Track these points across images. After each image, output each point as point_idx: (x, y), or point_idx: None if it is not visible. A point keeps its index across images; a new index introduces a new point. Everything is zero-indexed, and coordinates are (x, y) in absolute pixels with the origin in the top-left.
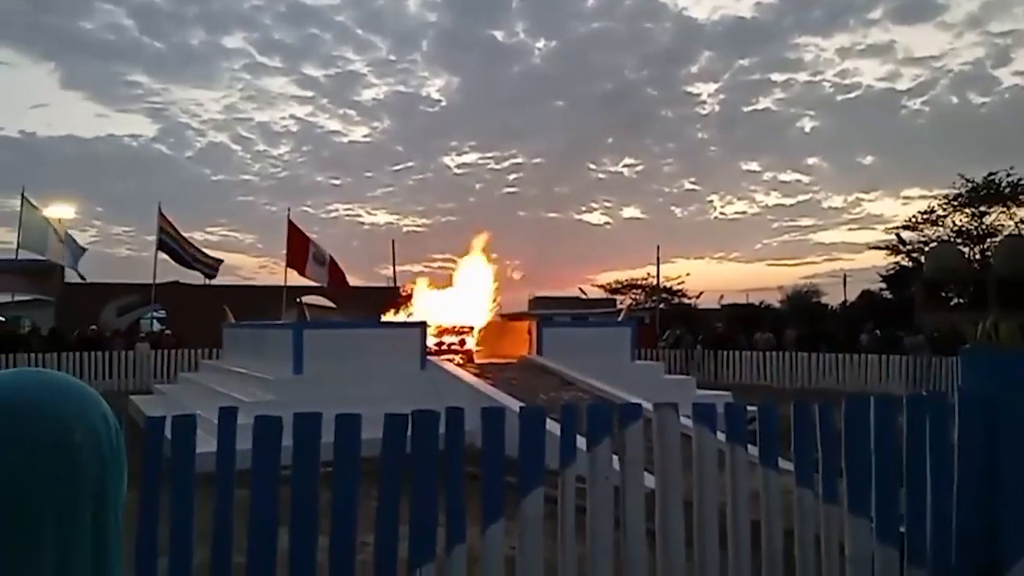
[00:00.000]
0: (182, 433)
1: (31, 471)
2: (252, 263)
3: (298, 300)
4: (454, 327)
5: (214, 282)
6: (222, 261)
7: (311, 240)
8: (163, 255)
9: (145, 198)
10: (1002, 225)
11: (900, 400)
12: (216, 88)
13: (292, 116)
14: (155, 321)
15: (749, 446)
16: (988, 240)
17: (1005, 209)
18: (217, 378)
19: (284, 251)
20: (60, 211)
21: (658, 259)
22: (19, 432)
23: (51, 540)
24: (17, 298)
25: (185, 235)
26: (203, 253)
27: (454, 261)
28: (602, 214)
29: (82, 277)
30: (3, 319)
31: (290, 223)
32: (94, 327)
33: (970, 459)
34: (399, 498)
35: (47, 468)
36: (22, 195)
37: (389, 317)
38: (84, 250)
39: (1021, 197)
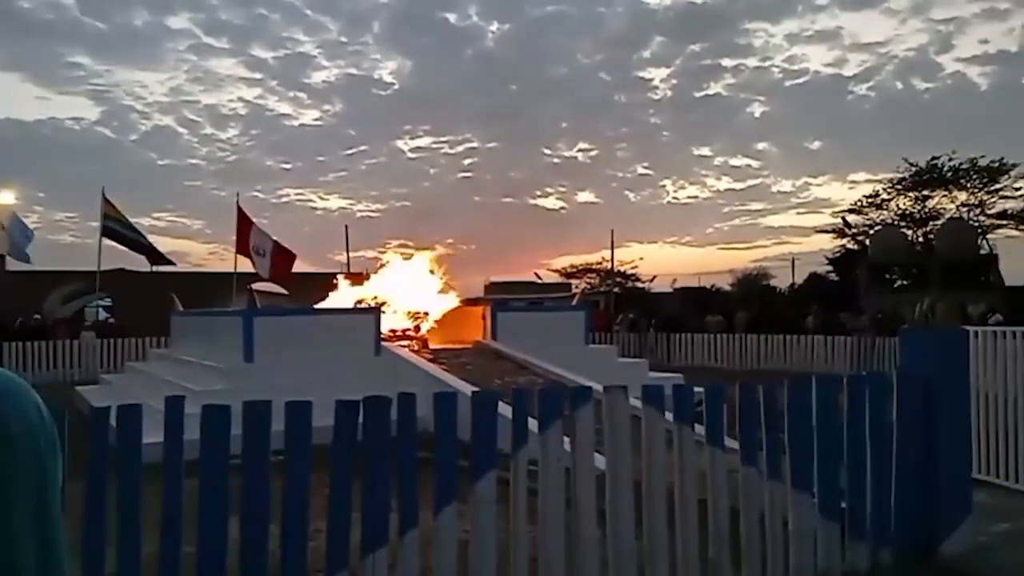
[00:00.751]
0: (128, 423)
1: None
2: (201, 249)
3: (248, 287)
4: (408, 312)
5: (162, 269)
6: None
7: (252, 229)
8: (108, 241)
9: (89, 183)
10: (944, 208)
11: (842, 379)
12: (161, 70)
13: (240, 99)
14: (100, 309)
15: (696, 426)
16: (931, 223)
17: (947, 193)
18: (166, 367)
19: (234, 237)
20: None
21: (612, 243)
22: None
23: None
24: None
25: (132, 221)
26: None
27: (408, 246)
28: (557, 198)
29: (28, 261)
30: None
31: (239, 209)
32: (38, 316)
33: (908, 435)
34: (351, 484)
35: None
36: None
37: (335, 296)
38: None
39: (962, 181)
